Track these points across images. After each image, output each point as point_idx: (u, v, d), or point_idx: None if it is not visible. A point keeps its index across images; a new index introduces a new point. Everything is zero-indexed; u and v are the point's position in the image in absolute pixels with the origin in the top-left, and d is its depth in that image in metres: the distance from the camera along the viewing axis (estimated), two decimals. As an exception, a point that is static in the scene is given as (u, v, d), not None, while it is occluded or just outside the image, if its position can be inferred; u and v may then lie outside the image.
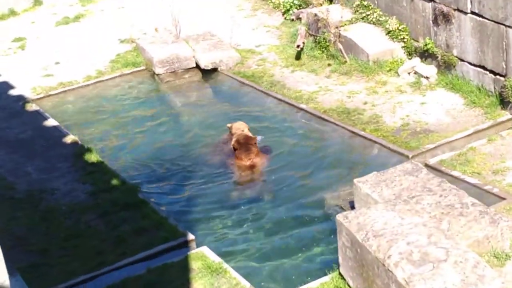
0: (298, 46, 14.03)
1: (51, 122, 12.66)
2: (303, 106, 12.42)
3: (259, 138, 11.44)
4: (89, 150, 11.52)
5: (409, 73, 12.78)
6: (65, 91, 13.97)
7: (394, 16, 13.33)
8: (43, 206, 10.26)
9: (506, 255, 7.85)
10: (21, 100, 13.60)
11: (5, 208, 10.20)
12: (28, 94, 13.86)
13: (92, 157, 11.32)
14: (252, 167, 11.02)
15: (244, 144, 11.04)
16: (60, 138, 12.05)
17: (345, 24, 13.79)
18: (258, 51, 14.82)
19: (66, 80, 14.29)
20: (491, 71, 11.50)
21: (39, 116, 12.93)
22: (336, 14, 13.92)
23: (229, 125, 11.59)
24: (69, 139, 11.98)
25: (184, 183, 10.84)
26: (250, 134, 11.21)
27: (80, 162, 11.27)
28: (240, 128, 11.40)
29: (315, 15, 14.15)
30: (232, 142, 11.13)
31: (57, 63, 15.11)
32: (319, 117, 12.04)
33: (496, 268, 7.69)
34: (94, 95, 13.86)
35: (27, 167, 11.35)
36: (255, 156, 11.04)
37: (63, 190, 10.60)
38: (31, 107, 13.33)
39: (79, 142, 11.86)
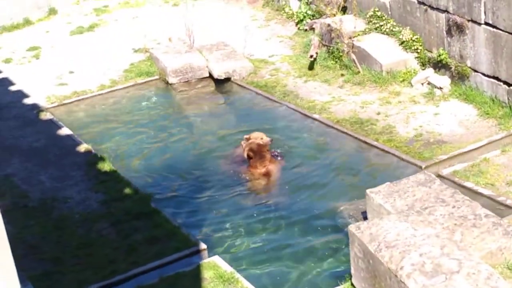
0: (311, 56, 14.04)
1: (64, 131, 12.71)
2: (316, 116, 12.42)
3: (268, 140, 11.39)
4: (102, 159, 11.55)
5: (422, 84, 12.76)
6: (79, 100, 14.03)
7: (408, 27, 13.32)
8: (56, 214, 10.30)
9: (520, 267, 7.80)
10: (35, 108, 13.68)
11: (18, 216, 10.23)
12: (42, 103, 13.93)
13: (105, 166, 11.35)
14: (267, 174, 11.03)
15: (258, 152, 11.05)
16: (74, 147, 12.10)
17: (359, 35, 13.79)
18: (271, 61, 14.84)
19: (80, 89, 14.36)
20: (505, 82, 11.46)
21: (53, 125, 12.99)
22: (349, 24, 13.92)
23: (246, 136, 11.56)
24: (82, 148, 12.02)
25: (197, 192, 10.85)
26: (262, 142, 11.16)
27: (93, 171, 11.31)
28: (259, 137, 11.36)
29: (329, 25, 14.16)
30: (245, 151, 11.14)
31: (71, 72, 15.19)
32: (332, 127, 12.03)
33: (510, 280, 7.63)
34: (108, 104, 13.91)
35: (40, 175, 11.40)
36: (269, 163, 11.06)
37: (76, 199, 10.64)
38: (45, 115, 13.40)
39: (92, 151, 11.90)
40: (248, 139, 11.44)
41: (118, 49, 16.06)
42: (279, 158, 11.36)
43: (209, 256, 9.09)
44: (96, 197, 10.63)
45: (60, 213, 10.31)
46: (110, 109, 13.75)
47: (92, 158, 11.64)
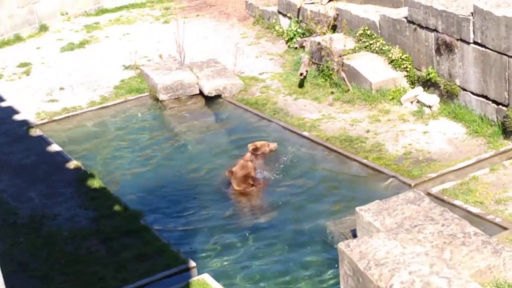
0: (301, 74, 14.10)
1: (54, 147, 12.69)
2: (305, 133, 12.46)
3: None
4: (91, 175, 11.54)
5: (411, 102, 12.83)
6: (69, 117, 14.04)
7: (397, 46, 13.40)
8: (45, 231, 10.26)
9: (509, 286, 7.81)
10: (25, 125, 13.66)
11: (7, 233, 10.20)
12: (32, 119, 13.92)
13: (95, 183, 11.33)
14: (246, 194, 11.08)
15: (239, 178, 11.07)
16: (63, 164, 12.07)
17: (348, 53, 13.87)
18: (262, 78, 14.89)
19: (70, 106, 14.36)
20: (494, 101, 11.54)
21: (42, 141, 12.96)
22: (339, 43, 14.00)
23: (252, 146, 11.83)
24: (72, 164, 12.00)
25: (187, 209, 10.84)
26: (249, 163, 11.21)
27: (83, 187, 11.29)
28: (265, 145, 11.88)
29: (319, 43, 14.23)
30: (227, 172, 11.20)
31: (61, 88, 15.19)
32: (322, 145, 12.06)
33: (498, 299, 7.67)
34: (98, 121, 13.91)
35: (30, 192, 11.37)
36: (251, 185, 11.09)
37: (66, 216, 10.61)
38: (35, 132, 13.38)
39: (82, 168, 11.88)
40: (254, 149, 11.76)
41: (109, 65, 16.07)
42: (265, 181, 11.39)
43: (198, 274, 9.07)
44: (86, 214, 10.61)
45: (50, 230, 10.27)
46: (100, 125, 13.74)
47: (82, 175, 11.62)
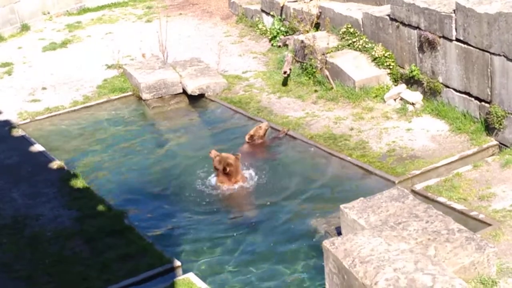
0: (285, 73, 14.10)
1: (37, 147, 12.62)
2: (290, 132, 12.45)
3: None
4: (75, 176, 11.48)
5: (395, 100, 12.86)
6: (51, 117, 13.96)
7: (380, 43, 13.43)
8: (28, 232, 10.19)
9: (493, 281, 7.86)
10: (7, 125, 13.57)
11: (-10, 234, 10.13)
12: (15, 119, 13.83)
13: (78, 183, 11.27)
14: (229, 181, 11.13)
15: (223, 168, 11.08)
16: (46, 164, 12.00)
17: (332, 51, 13.89)
18: (245, 77, 14.88)
19: (52, 106, 14.29)
20: (476, 98, 11.59)
21: (25, 142, 12.88)
22: (322, 41, 14.01)
23: (247, 136, 12.16)
24: (55, 164, 11.93)
25: (170, 209, 10.81)
26: (231, 159, 11.22)
27: (66, 188, 11.22)
28: (257, 129, 12.20)
29: (302, 41, 14.24)
30: (213, 164, 11.19)
31: (44, 88, 15.11)
32: (306, 143, 12.07)
33: (483, 295, 7.71)
34: (81, 120, 13.83)
35: (12, 192, 11.29)
36: (233, 178, 11.12)
37: (49, 216, 10.54)
38: (17, 132, 13.29)
39: (65, 168, 11.81)
40: (250, 138, 12.09)
41: (91, 65, 16.00)
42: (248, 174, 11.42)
43: (183, 273, 9.04)
44: (69, 214, 10.55)
45: (33, 230, 10.20)
46: (83, 125, 13.67)
47: (65, 175, 11.56)
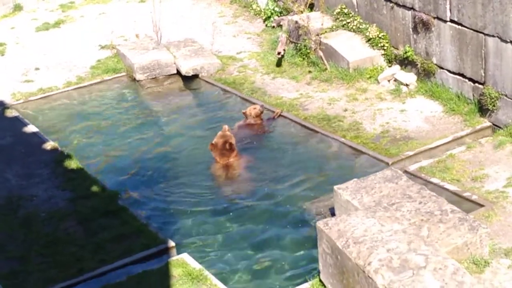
0: (279, 53, 14.07)
1: (30, 128, 12.59)
2: (284, 113, 12.45)
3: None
4: (69, 156, 11.46)
5: (389, 81, 12.86)
6: (45, 97, 13.91)
7: (374, 24, 13.40)
8: (22, 212, 10.19)
9: (485, 262, 7.90)
10: (0, 106, 13.52)
11: (-17, 215, 10.14)
12: (8, 100, 13.78)
13: (72, 164, 11.27)
14: (227, 167, 11.11)
15: (220, 148, 11.09)
16: (40, 145, 11.98)
17: (326, 32, 13.85)
18: (239, 58, 14.84)
19: (46, 86, 14.23)
20: (470, 79, 11.59)
21: (18, 122, 12.85)
22: (316, 21, 13.97)
23: (244, 111, 12.38)
24: (48, 145, 11.91)
25: (164, 189, 10.82)
26: (227, 133, 11.26)
27: (60, 168, 11.21)
28: (251, 109, 12.30)
29: (296, 22, 14.19)
30: (209, 145, 11.20)
31: (37, 68, 15.04)
32: (300, 124, 12.07)
33: (475, 275, 7.75)
34: (75, 101, 13.79)
35: (6, 173, 11.28)
36: (231, 158, 11.15)
37: (43, 197, 10.54)
38: (11, 113, 13.25)
39: (59, 149, 11.80)
40: (245, 113, 12.22)
41: (85, 45, 15.92)
42: (247, 155, 11.41)
43: (177, 254, 9.06)
44: (63, 195, 10.55)
45: (26, 211, 10.21)
46: (77, 106, 13.63)
47: (59, 156, 11.54)
